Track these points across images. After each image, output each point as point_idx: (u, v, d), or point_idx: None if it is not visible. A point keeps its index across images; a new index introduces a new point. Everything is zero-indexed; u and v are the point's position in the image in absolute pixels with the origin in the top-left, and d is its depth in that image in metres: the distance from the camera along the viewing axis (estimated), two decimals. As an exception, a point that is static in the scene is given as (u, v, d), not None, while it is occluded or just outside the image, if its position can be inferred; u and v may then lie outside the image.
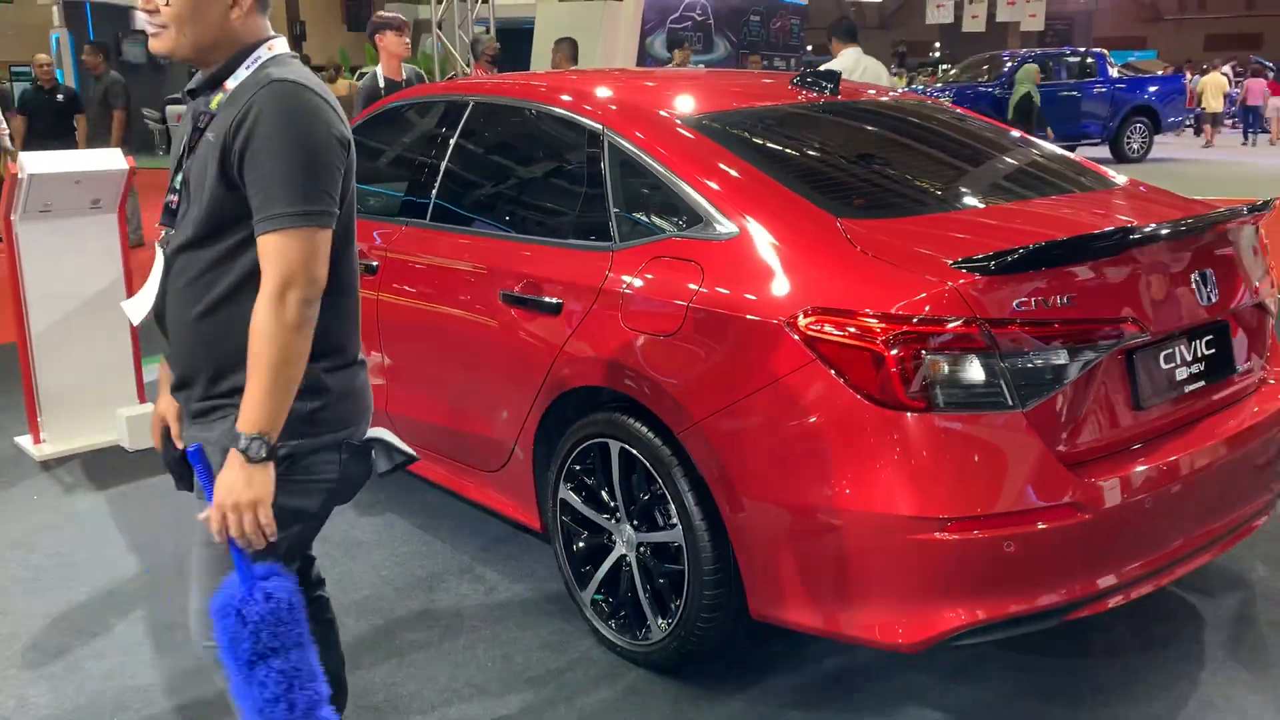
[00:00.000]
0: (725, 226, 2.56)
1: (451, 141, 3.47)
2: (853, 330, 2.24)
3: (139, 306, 1.97)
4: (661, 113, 2.96)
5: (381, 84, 6.01)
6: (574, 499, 2.91)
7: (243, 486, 1.73)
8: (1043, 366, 2.23)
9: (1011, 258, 2.21)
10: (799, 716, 2.56)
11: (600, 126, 2.94)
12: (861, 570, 2.29)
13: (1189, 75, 21.44)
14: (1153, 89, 18.04)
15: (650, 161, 2.78)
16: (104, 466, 4.35)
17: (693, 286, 2.53)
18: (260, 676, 1.80)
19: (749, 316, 2.40)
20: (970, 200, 2.84)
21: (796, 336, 2.31)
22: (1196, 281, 2.50)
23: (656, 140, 2.81)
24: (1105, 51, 18.99)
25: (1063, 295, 2.27)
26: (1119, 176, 3.20)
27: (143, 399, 4.68)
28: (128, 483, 4.18)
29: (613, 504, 2.82)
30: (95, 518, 3.87)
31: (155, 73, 20.00)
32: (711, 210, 2.60)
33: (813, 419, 2.30)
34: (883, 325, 2.21)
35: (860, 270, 2.34)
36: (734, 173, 2.67)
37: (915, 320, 2.19)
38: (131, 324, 2.96)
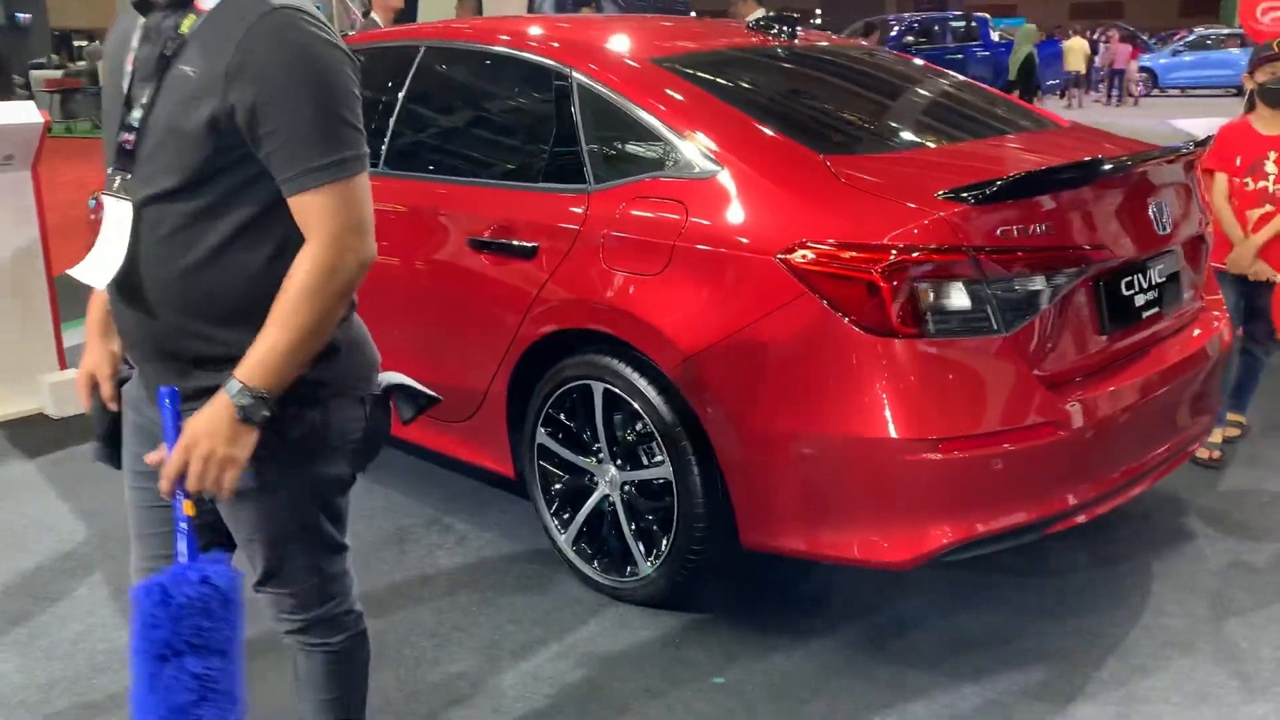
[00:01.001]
0: (707, 165, 2.59)
1: (404, 88, 3.40)
2: (846, 262, 2.31)
3: (99, 269, 1.61)
4: (631, 54, 2.96)
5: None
6: (552, 443, 2.92)
7: (226, 437, 1.50)
8: (1025, 292, 2.34)
9: (996, 187, 2.30)
10: (786, 640, 2.64)
11: (569, 69, 2.92)
12: (855, 493, 2.37)
13: (1063, 40, 22.31)
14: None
15: (625, 103, 2.78)
16: (30, 435, 4.16)
17: (677, 225, 2.55)
18: (168, 677, 1.52)
19: (739, 252, 2.44)
20: (940, 138, 2.94)
21: (789, 270, 2.36)
22: (1154, 212, 2.64)
23: (630, 81, 2.82)
24: (987, 16, 19.59)
25: (1041, 224, 2.38)
26: (1063, 119, 3.34)
27: (64, 365, 4.48)
28: (58, 450, 4.01)
29: (595, 446, 2.84)
30: (30, 486, 3.70)
31: (15, 35, 18.91)
32: (692, 149, 2.63)
33: (805, 350, 2.36)
34: (876, 256, 2.28)
35: (850, 204, 2.41)
36: (711, 112, 2.70)
37: (907, 250, 2.27)
38: (69, 289, 2.81)
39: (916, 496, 2.32)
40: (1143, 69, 23.11)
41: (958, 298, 2.29)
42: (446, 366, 3.20)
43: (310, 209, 1.52)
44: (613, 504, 2.82)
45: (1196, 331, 2.89)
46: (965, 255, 2.28)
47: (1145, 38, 25.74)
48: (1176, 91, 23.04)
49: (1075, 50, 21.77)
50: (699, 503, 2.58)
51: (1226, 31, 22.78)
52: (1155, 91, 22.99)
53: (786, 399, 2.39)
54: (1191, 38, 23.66)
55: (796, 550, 2.49)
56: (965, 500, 2.33)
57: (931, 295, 2.28)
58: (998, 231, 2.32)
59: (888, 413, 2.29)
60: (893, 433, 2.28)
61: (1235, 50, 22.33)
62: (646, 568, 2.74)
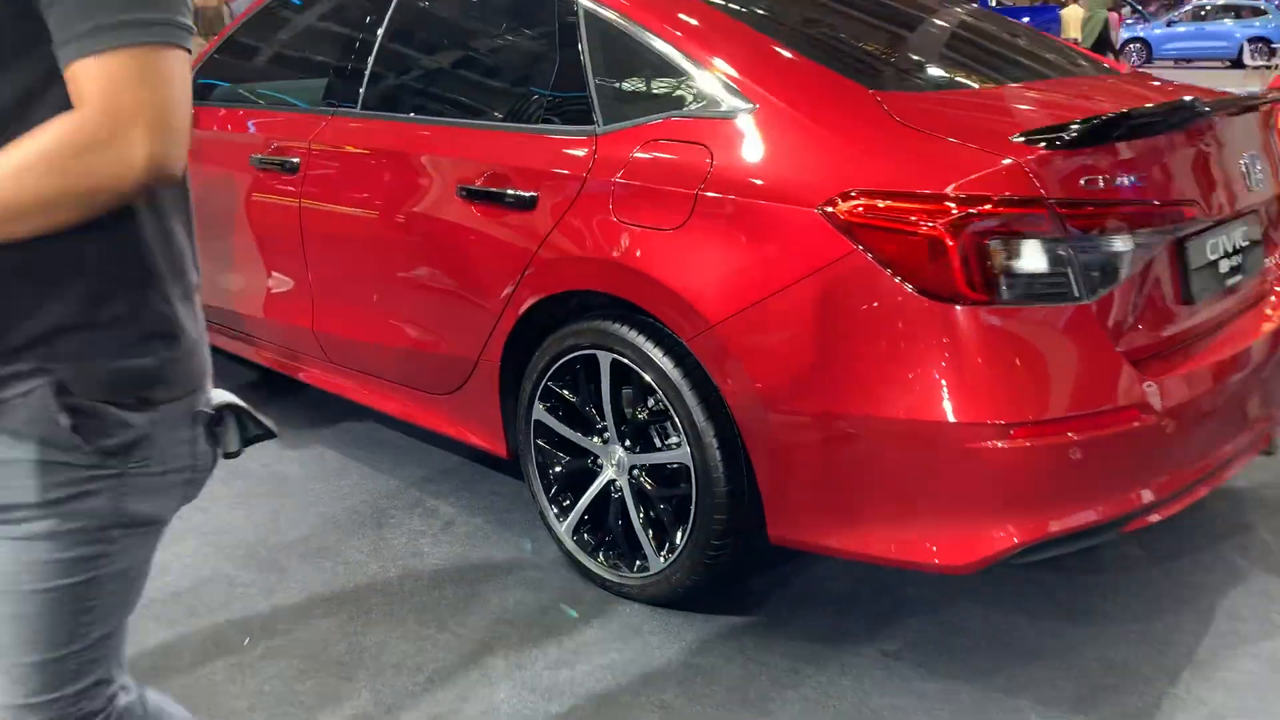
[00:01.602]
0: (735, 101, 2.23)
1: (386, 16, 3.03)
2: (904, 214, 1.97)
3: None
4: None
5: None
6: (551, 420, 2.59)
7: None
8: (1109, 253, 2.01)
9: (1084, 129, 1.97)
10: (818, 648, 2.32)
11: (574, -6, 2.56)
12: (908, 485, 2.05)
13: (1060, 8, 21.90)
14: (1026, 20, 18.36)
15: (638, 30, 2.42)
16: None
17: (700, 171, 2.21)
18: None
19: (773, 203, 2.10)
20: (1003, 76, 2.57)
21: (835, 223, 2.02)
22: (1244, 167, 2.31)
23: (644, 5, 2.46)
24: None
25: (1129, 174, 2.04)
26: (1123, 65, 3.00)
27: None
28: None
29: (600, 424, 2.50)
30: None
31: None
32: (719, 84, 2.27)
33: (852, 317, 2.02)
34: (940, 207, 1.94)
35: (908, 146, 2.06)
36: (742, 42, 2.34)
37: (978, 200, 1.93)
38: None
39: (981, 490, 2.00)
40: (1136, 40, 22.75)
41: (1034, 258, 1.96)
42: (431, 331, 2.85)
43: (89, 77, 1.02)
44: (619, 490, 2.49)
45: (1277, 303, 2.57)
46: (1045, 208, 1.94)
47: (1144, 8, 25.34)
48: (1170, 63, 22.71)
49: (1072, 19, 21.39)
50: (721, 491, 2.25)
51: (1222, 2, 22.45)
52: (1155, 62, 22.66)
53: (828, 375, 2.06)
54: (1188, 8, 23.32)
55: (834, 549, 2.17)
56: (1037, 495, 2.01)
57: (1004, 255, 1.94)
58: (1081, 181, 1.99)
59: (949, 392, 1.96)
60: (955, 416, 1.96)
61: (1229, 22, 22.04)
62: (658, 563, 2.42)
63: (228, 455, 1.26)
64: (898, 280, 1.97)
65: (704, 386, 2.24)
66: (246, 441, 1.27)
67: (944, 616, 2.44)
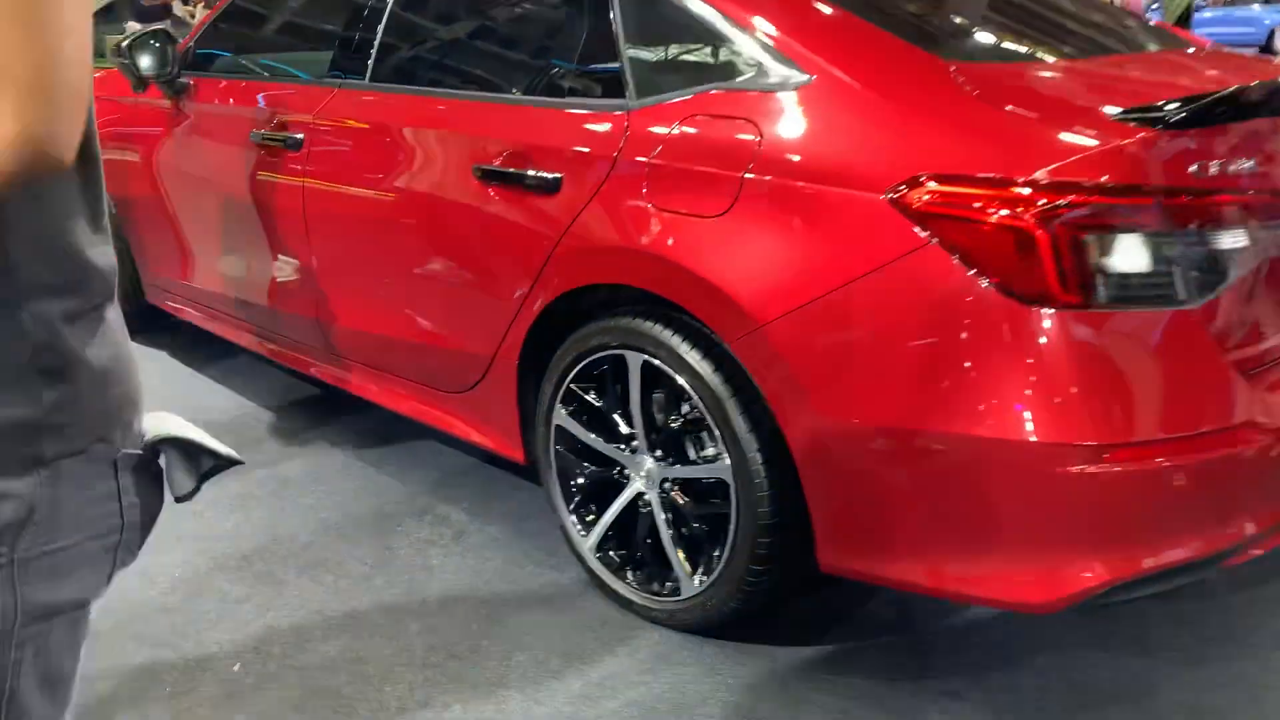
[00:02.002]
0: (790, 73, 1.98)
1: (397, -19, 2.78)
2: (986, 202, 1.71)
3: None
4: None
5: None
6: (574, 425, 2.34)
7: None
8: (1219, 250, 1.75)
9: (1193, 108, 1.70)
10: (870, 685, 2.08)
11: (604, -48, 2.30)
12: (983, 513, 1.80)
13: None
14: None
15: (678, -6, 2.16)
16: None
17: (748, 151, 1.95)
18: None
19: (833, 188, 1.85)
20: (1088, 48, 2.30)
21: (904, 212, 1.77)
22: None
23: (685, -33, 2.20)
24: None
25: (1240, 160, 1.78)
26: (1203, 40, 2.72)
27: None
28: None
29: (628, 431, 2.26)
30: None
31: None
32: (768, 52, 2.02)
33: (924, 321, 1.77)
34: (1029, 195, 1.69)
35: (989, 124, 1.81)
36: (794, 5, 2.09)
37: (1073, 188, 1.67)
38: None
39: (1067, 520, 1.75)
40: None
41: (1135, 255, 1.70)
42: (443, 324, 2.61)
43: None
44: (648, 504, 2.25)
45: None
46: (1149, 198, 1.69)
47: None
48: (1201, 47, 22.20)
49: (1097, 1, 20.93)
50: (765, 512, 2.01)
51: (1252, -13, 21.94)
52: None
53: (892, 385, 1.81)
54: (1220, -9, 22.80)
55: (894, 580, 1.93)
56: (1130, 527, 1.76)
57: (1101, 250, 1.69)
58: (1190, 168, 1.73)
59: (1035, 408, 1.71)
60: (1041, 436, 1.71)
61: (1258, 7, 21.49)
62: (692, 586, 2.18)
63: (180, 499, 1.01)
64: (976, 278, 1.72)
65: (748, 394, 2.00)
66: (203, 477, 1.02)
67: (1010, 650, 2.19)
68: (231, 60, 3.41)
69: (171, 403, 3.33)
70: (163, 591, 2.46)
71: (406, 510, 2.81)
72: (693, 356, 2.05)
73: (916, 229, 1.76)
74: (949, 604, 2.31)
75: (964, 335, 1.74)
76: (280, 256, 3.07)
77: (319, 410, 3.46)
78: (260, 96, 3.13)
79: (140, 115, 3.56)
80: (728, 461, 2.04)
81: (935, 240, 1.74)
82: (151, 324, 4.03)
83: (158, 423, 0.99)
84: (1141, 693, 2.07)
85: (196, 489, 1.00)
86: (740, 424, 2.00)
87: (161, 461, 0.98)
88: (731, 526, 2.07)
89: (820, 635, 2.24)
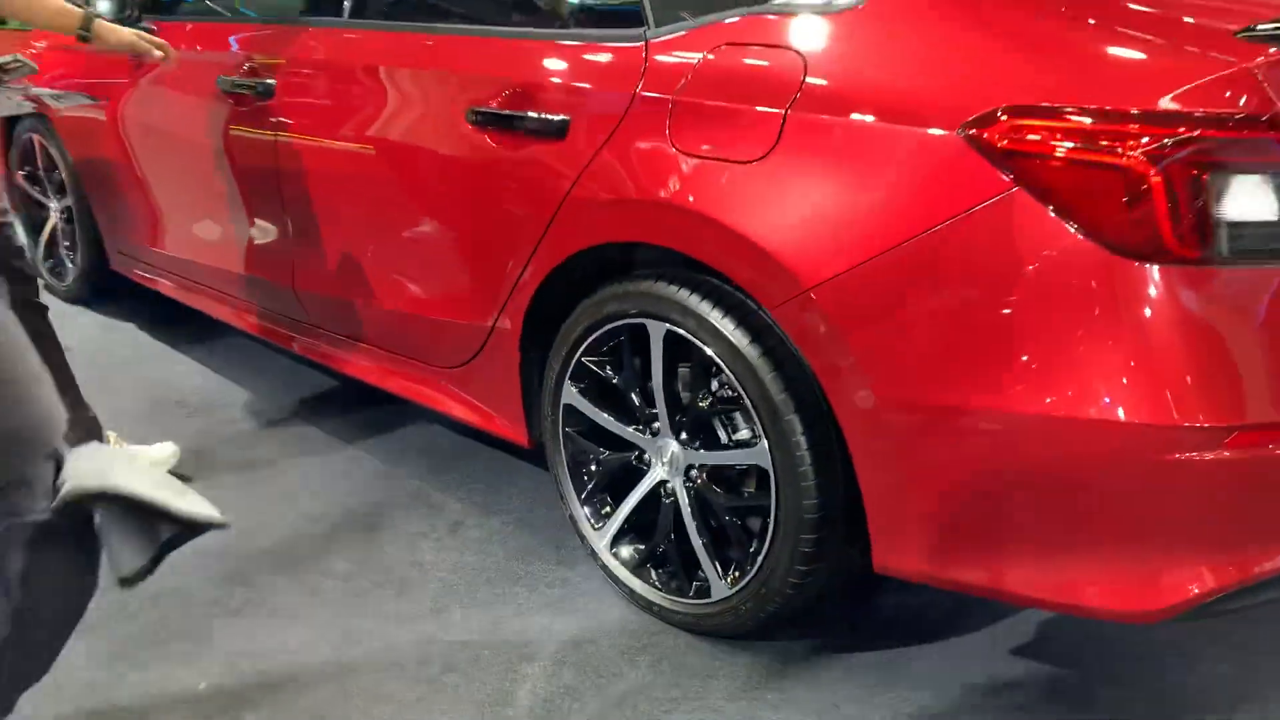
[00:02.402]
0: (839, -8, 1.68)
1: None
2: (1085, 138, 1.43)
3: None
4: None
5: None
6: (586, 404, 2.07)
7: None
8: (1361, 195, 1.47)
9: (1340, 21, 1.42)
10: (935, 702, 1.82)
11: None
12: (1073, 507, 1.53)
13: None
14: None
15: (703, -96, 1.86)
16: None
17: (790, 85, 1.66)
18: None
19: (895, 125, 1.56)
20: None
21: (983, 151, 1.48)
22: None
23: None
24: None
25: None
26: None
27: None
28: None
29: (649, 411, 1.98)
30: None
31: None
32: (814, -31, 1.72)
33: (1006, 280, 1.49)
34: (1138, 129, 1.40)
35: (1085, 46, 1.52)
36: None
37: (1191, 121, 1.39)
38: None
39: (1179, 516, 1.48)
40: None
41: (1264, 200, 1.42)
42: (434, 290, 2.33)
43: None
44: (672, 494, 1.98)
45: None
46: (1282, 131, 1.40)
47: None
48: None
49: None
50: (810, 504, 1.74)
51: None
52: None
53: (966, 357, 1.53)
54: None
55: (963, 584, 1.66)
56: (1251, 523, 1.49)
57: (1225, 195, 1.41)
58: (1329, 95, 1.44)
59: (1141, 384, 1.43)
60: (1148, 417, 1.43)
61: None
62: (723, 588, 1.91)
63: (123, 582, 0.70)
64: (1072, 229, 1.44)
65: (791, 368, 1.72)
66: (163, 549, 0.71)
67: (1088, 658, 1.92)
68: (196, 1, 3.10)
69: (139, 383, 3.05)
70: (116, 596, 2.18)
71: (395, 500, 2.53)
72: (726, 325, 1.77)
73: (998, 171, 1.47)
74: (1011, 606, 2.04)
75: (1054, 297, 1.46)
76: (254, 219, 2.78)
77: (299, 390, 3.17)
78: (229, 40, 2.82)
79: (101, 65, 3.25)
80: (766, 445, 1.76)
81: (1020, 185, 1.46)
82: (119, 294, 3.73)
83: (92, 469, 0.68)
84: (1237, 697, 1.82)
85: (149, 569, 0.69)
86: (782, 402, 1.72)
87: (96, 525, 0.67)
88: (770, 520, 1.79)
89: (874, 640, 1.97)
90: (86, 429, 2.46)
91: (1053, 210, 1.44)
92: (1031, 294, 1.48)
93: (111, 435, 2.61)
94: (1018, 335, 1.50)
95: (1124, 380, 1.44)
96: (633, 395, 2.00)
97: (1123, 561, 1.53)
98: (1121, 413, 1.44)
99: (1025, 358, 1.49)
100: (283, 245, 2.70)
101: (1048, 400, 1.49)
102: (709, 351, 1.80)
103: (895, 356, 1.58)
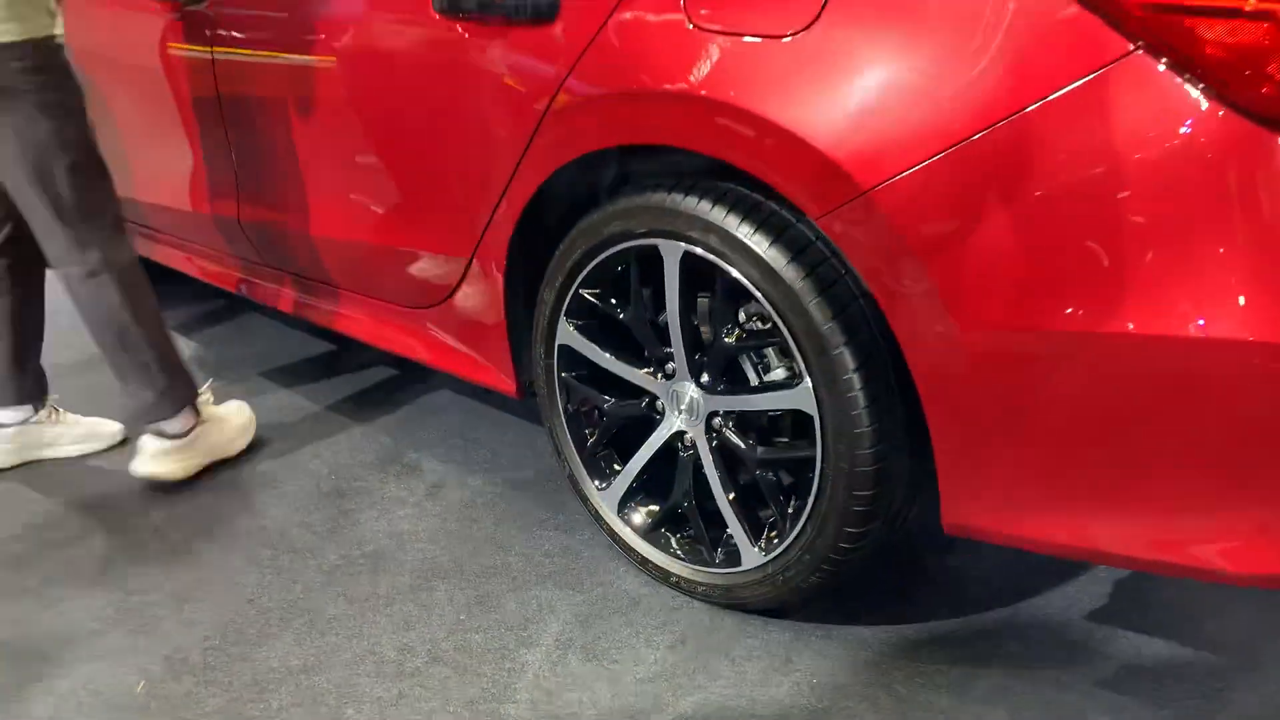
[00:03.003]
0: None
1: None
2: (1236, -17, 1.12)
3: None
4: None
5: None
6: (585, 344, 1.76)
7: None
8: None
9: None
10: (997, 679, 1.54)
11: None
12: (1197, 449, 1.24)
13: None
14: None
15: None
16: None
17: (838, -63, 1.34)
18: None
19: (979, -20, 1.24)
20: None
21: (1097, 8, 1.17)
22: None
23: None
24: None
25: None
26: None
27: None
28: None
29: (662, 350, 1.67)
30: None
31: None
32: None
33: (1126, 167, 1.18)
34: (1303, -34, 1.09)
35: None
36: None
37: (1377, -46, 1.08)
38: None
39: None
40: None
41: None
42: (402, 219, 2.01)
43: None
44: (691, 446, 1.68)
45: None
46: None
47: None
48: None
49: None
50: (866, 454, 1.44)
51: None
52: None
53: (1076, 267, 1.23)
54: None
55: (1053, 544, 1.38)
56: None
57: None
58: None
59: (1298, 294, 1.14)
60: (1305, 335, 1.14)
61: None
62: (755, 556, 1.62)
63: None
64: (1211, 101, 1.13)
65: (841, 291, 1.42)
66: None
67: (1185, 630, 1.65)
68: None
69: (82, 339, 2.71)
70: (42, 580, 1.86)
71: (367, 460, 2.22)
72: (759, 241, 1.45)
73: (1113, 32, 1.16)
74: (1084, 566, 1.77)
75: (1188, 188, 1.16)
76: (196, 148, 2.42)
77: (251, 339, 2.84)
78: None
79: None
80: (809, 385, 1.46)
81: (1143, 47, 1.15)
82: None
83: None
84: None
85: None
86: (829, 332, 1.42)
87: None
88: (815, 475, 1.50)
89: (924, 607, 1.69)
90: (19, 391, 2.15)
91: (1185, 78, 1.14)
92: (1156, 183, 1.17)
93: (52, 399, 2.29)
94: (1136, 237, 1.19)
95: (1274, 289, 1.15)
96: (642, 332, 1.69)
97: (1250, 514, 1.25)
98: (1265, 333, 1.15)
99: (1145, 265, 1.19)
100: (224, 171, 2.36)
101: (1170, 317, 1.19)
102: (736, 275, 1.49)
103: (980, 270, 1.27)
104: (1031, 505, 1.37)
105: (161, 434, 2.11)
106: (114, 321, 1.99)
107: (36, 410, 2.24)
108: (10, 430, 2.21)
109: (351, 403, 2.46)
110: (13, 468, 2.23)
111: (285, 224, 2.27)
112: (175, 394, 2.10)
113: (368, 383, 2.56)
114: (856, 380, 1.42)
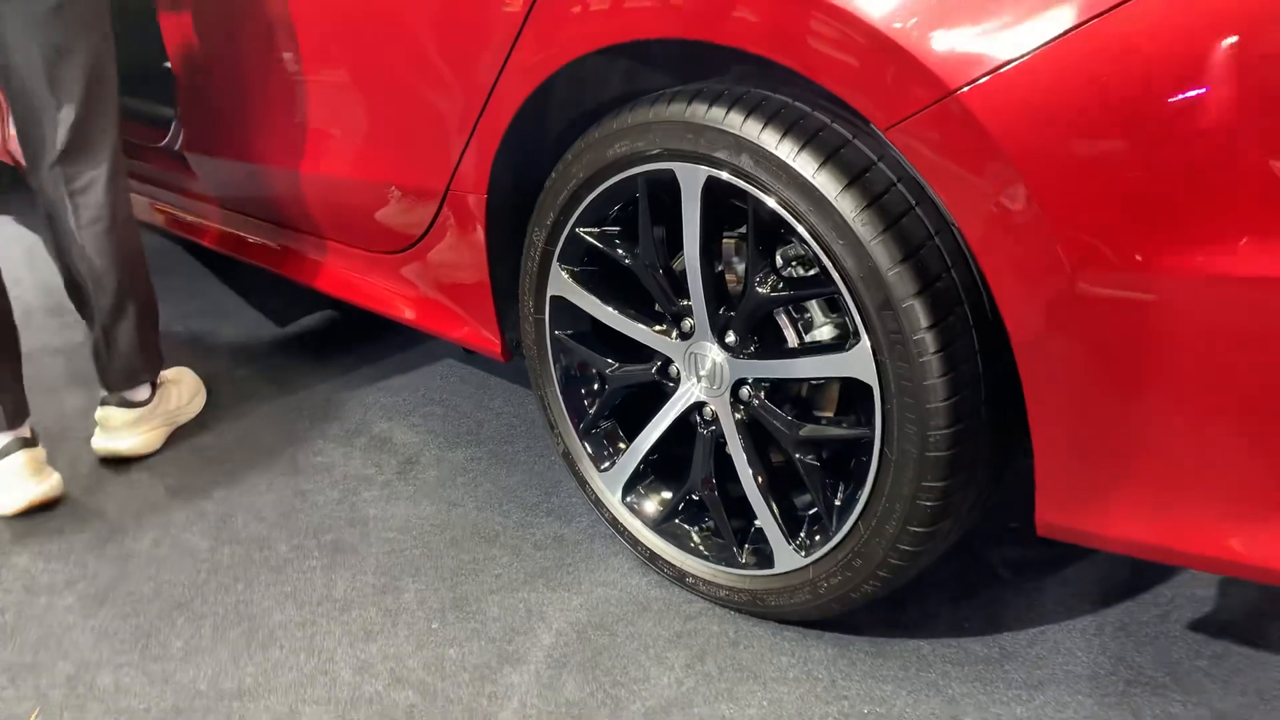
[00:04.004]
0: None
1: None
2: None
3: None
4: None
5: None
6: (583, 296, 1.44)
7: None
8: None
9: None
10: (1082, 700, 1.25)
11: None
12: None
13: None
14: None
15: None
16: None
17: None
18: None
19: None
20: None
21: None
22: None
23: None
24: None
25: None
26: None
27: None
28: None
29: (679, 304, 1.36)
30: None
31: None
32: None
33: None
34: None
35: None
36: None
37: None
38: None
39: None
40: None
41: None
42: (361, 141, 1.69)
43: None
44: (713, 421, 1.37)
45: None
46: None
47: None
48: None
49: None
50: (941, 435, 1.13)
51: None
52: None
53: (1233, 191, 0.91)
54: None
55: (1196, 555, 1.07)
56: None
57: None
58: None
59: None
60: None
61: None
62: (793, 557, 1.31)
63: None
64: None
65: (912, 227, 1.10)
66: None
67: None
68: None
69: (32, 290, 2.37)
70: (-62, 579, 1.57)
71: (329, 431, 1.91)
72: (805, 161, 1.13)
73: None
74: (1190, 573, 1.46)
75: None
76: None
77: (197, 287, 2.53)
78: None
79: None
80: (867, 347, 1.15)
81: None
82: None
83: None
84: None
85: None
86: (896, 280, 1.10)
87: None
88: (873, 460, 1.19)
89: (1002, 616, 1.39)
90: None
91: None
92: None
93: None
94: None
95: None
96: (653, 280, 1.37)
97: None
98: None
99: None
100: (160, 95, 2.03)
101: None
102: (774, 205, 1.17)
103: (1107, 196, 0.96)
104: (1160, 505, 1.06)
105: (127, 403, 1.82)
106: (125, 262, 1.72)
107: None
108: None
109: (312, 363, 2.15)
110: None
111: (231, 151, 1.95)
112: (156, 354, 1.83)
113: (332, 340, 2.25)
114: (930, 341, 1.11)
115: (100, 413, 1.84)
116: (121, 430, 1.83)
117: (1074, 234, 0.97)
